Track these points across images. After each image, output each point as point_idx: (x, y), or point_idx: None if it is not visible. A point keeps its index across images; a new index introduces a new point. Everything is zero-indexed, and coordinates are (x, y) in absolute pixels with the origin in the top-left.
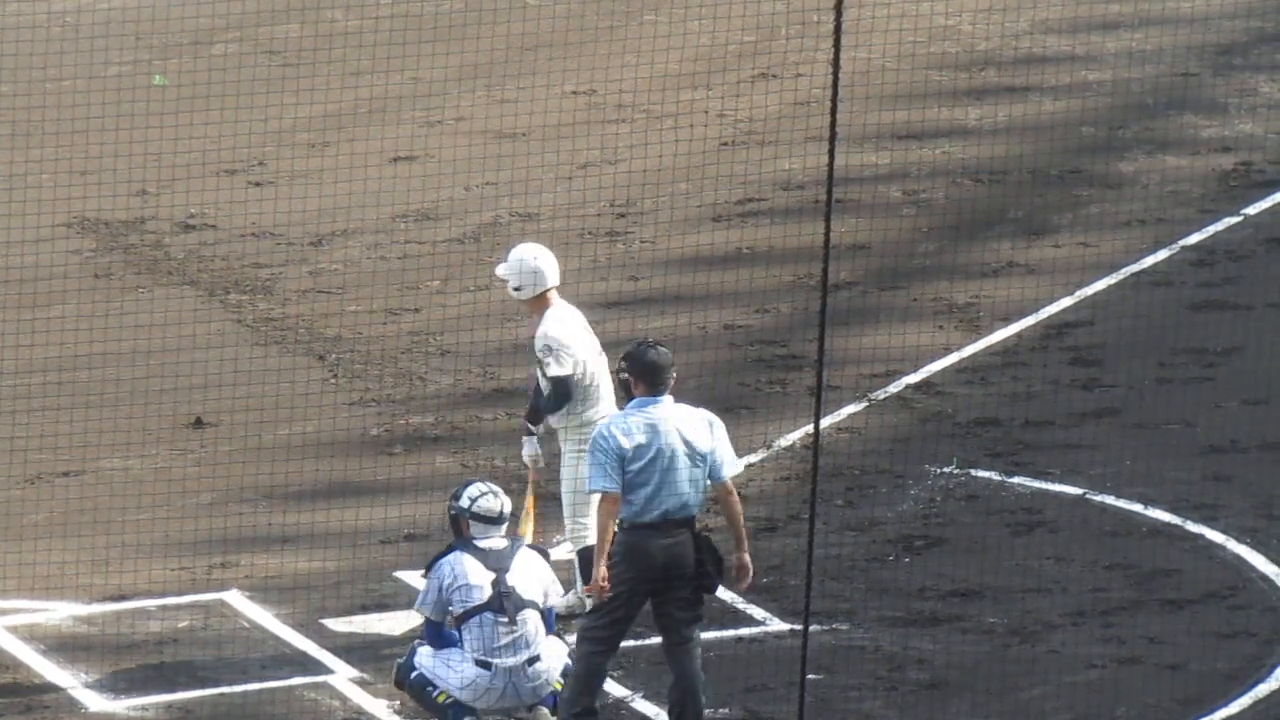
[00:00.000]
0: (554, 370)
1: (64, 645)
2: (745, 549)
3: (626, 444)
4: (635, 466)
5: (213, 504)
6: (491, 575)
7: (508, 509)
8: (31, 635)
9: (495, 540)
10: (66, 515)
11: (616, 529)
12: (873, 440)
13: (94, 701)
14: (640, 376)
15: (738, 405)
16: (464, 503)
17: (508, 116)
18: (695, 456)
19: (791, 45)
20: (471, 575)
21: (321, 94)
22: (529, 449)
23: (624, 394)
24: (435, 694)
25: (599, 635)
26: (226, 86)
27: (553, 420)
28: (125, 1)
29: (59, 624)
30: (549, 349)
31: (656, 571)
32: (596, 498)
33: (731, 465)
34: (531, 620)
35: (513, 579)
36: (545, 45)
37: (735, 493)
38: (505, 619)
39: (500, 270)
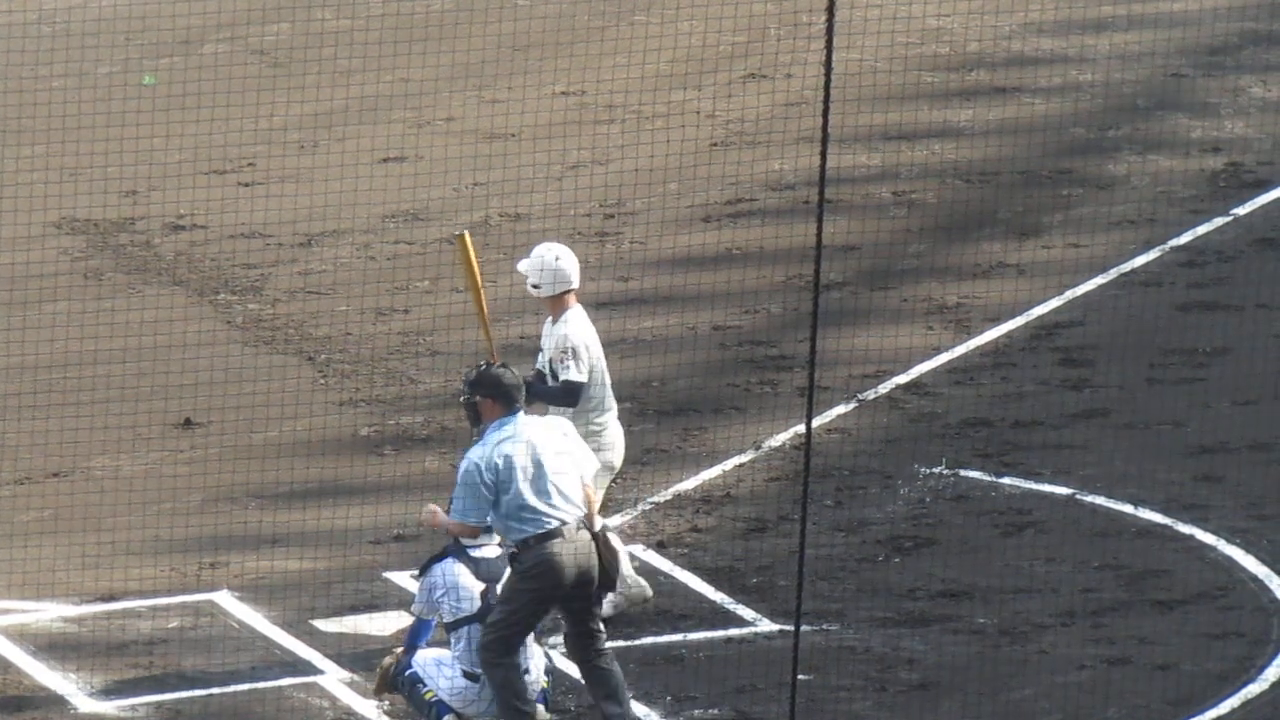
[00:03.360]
0: (571, 375)
1: (54, 646)
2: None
3: (504, 470)
4: (519, 486)
5: (202, 504)
6: (482, 586)
7: None
8: (21, 636)
9: (487, 549)
10: (56, 516)
11: (522, 546)
12: (862, 441)
13: (84, 702)
14: (496, 397)
15: (727, 406)
16: None
17: (497, 117)
18: (565, 462)
19: (781, 46)
20: (463, 584)
21: (311, 94)
22: None
23: (474, 418)
24: (424, 691)
25: (499, 640)
26: (216, 86)
27: None
28: (115, 2)
29: (49, 625)
30: (571, 351)
31: (565, 580)
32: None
33: (590, 464)
34: None
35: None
36: (535, 46)
37: (592, 491)
38: None
39: (522, 266)
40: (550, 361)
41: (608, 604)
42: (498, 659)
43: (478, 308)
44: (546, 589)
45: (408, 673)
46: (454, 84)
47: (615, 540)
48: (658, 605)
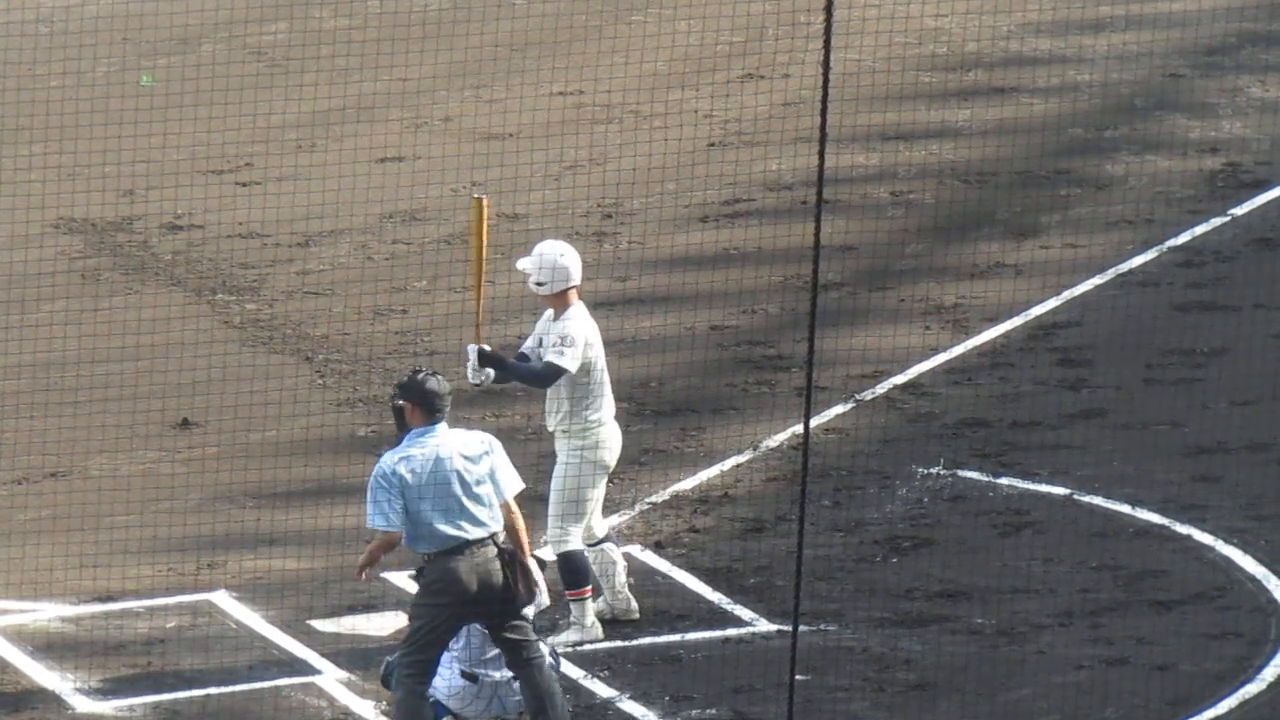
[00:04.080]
0: (560, 361)
1: (51, 646)
2: (528, 555)
3: (411, 480)
4: (425, 497)
5: (200, 505)
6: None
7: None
8: (19, 636)
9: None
10: (54, 516)
11: (425, 560)
12: (860, 441)
13: (81, 702)
14: (419, 404)
15: (725, 406)
16: None
17: (495, 116)
18: (480, 478)
19: (779, 46)
20: None
21: (309, 94)
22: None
23: (399, 422)
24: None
25: (418, 663)
26: (214, 86)
27: (551, 423)
28: (113, 2)
29: (46, 625)
30: (570, 339)
31: (469, 596)
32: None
33: (512, 484)
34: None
35: None
36: (532, 45)
37: (518, 510)
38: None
39: (522, 264)
40: (544, 349)
41: (532, 609)
42: (408, 678)
43: (475, 276)
44: (449, 605)
45: None
46: (452, 84)
47: (614, 552)
48: (656, 605)
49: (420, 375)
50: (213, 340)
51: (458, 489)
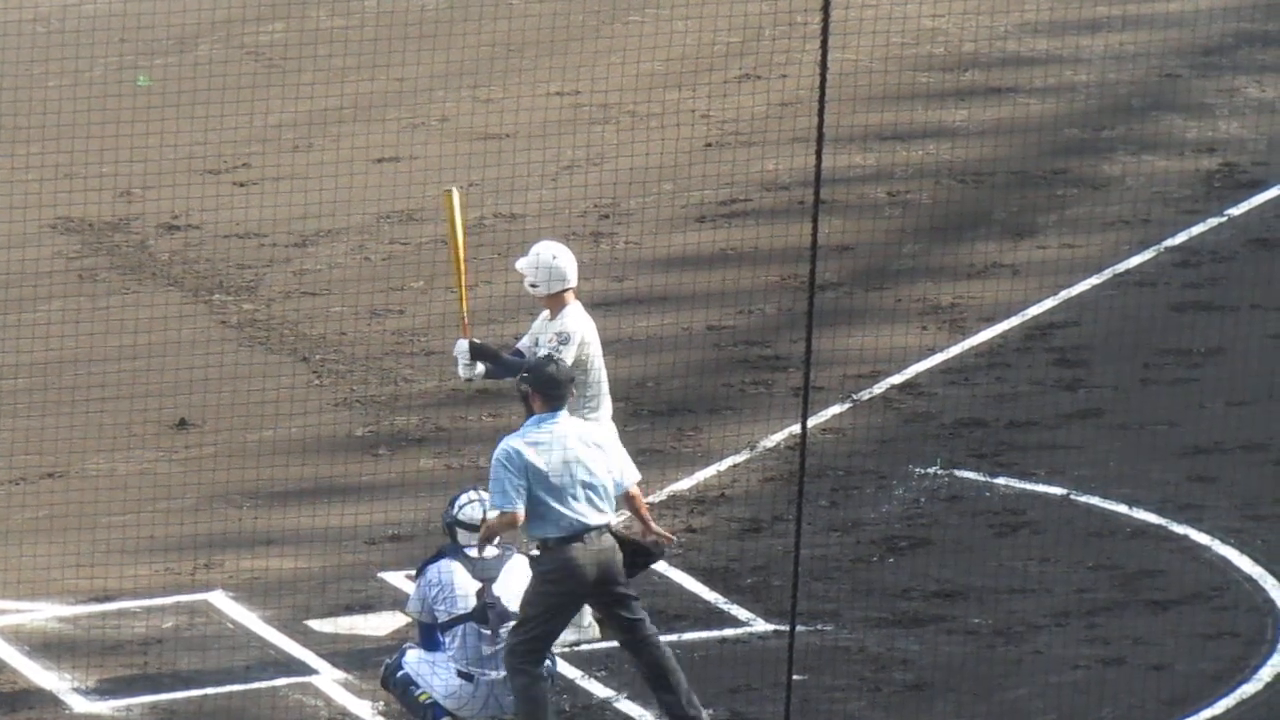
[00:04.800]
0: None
1: (48, 646)
2: (654, 526)
3: (535, 463)
4: (548, 482)
5: (197, 505)
6: (478, 585)
7: None
8: (16, 636)
9: (486, 549)
10: (51, 516)
11: (542, 546)
12: (857, 441)
13: (78, 702)
14: (539, 390)
15: (722, 406)
16: (454, 510)
17: (492, 116)
18: (600, 466)
19: (776, 46)
20: (458, 583)
21: (306, 95)
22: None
23: (526, 406)
24: (417, 693)
25: (531, 650)
26: (211, 86)
27: None
28: (110, 2)
29: (43, 625)
30: (567, 337)
31: (587, 583)
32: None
33: (633, 473)
34: None
35: (499, 589)
36: (529, 45)
37: (640, 494)
38: (489, 631)
39: (519, 265)
40: (540, 347)
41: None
42: (522, 664)
43: (455, 270)
44: (567, 592)
45: (399, 674)
46: (448, 84)
47: None
48: (652, 605)
49: (542, 362)
50: (210, 340)
51: (580, 475)
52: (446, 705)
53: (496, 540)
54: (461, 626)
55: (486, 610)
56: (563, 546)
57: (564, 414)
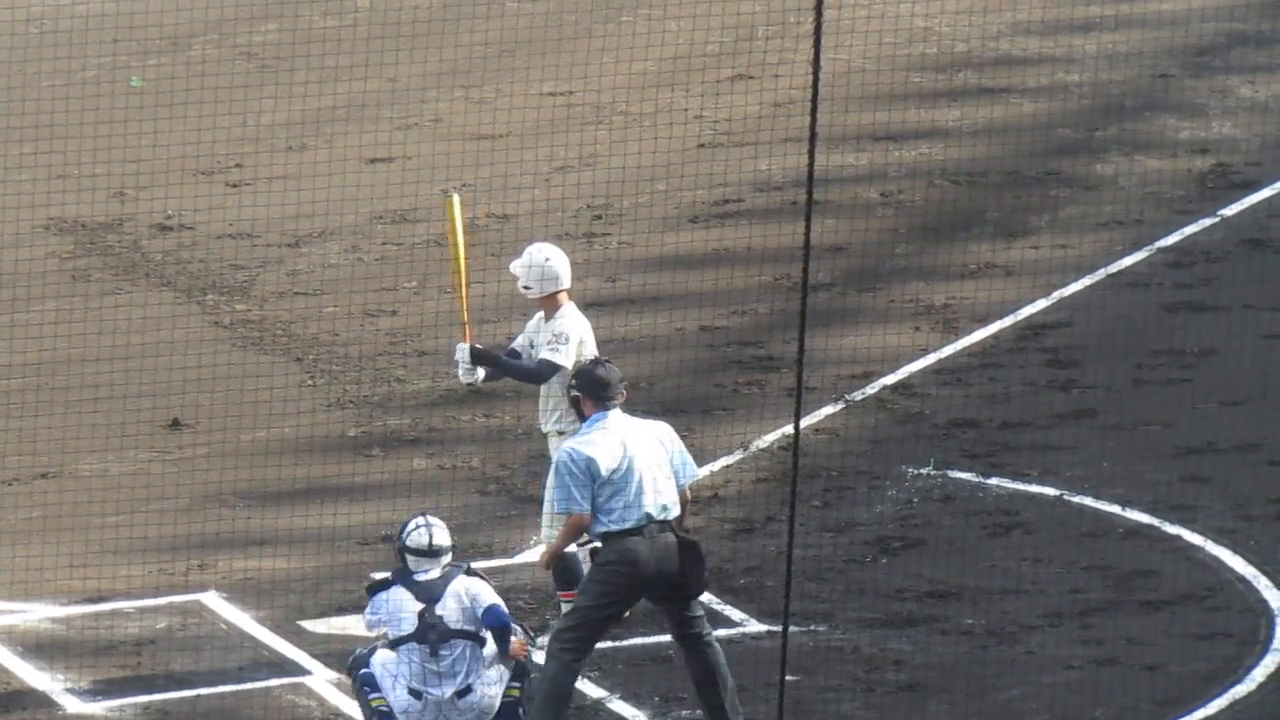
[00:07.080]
0: (555, 357)
1: (41, 646)
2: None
3: (597, 460)
4: (609, 478)
5: (190, 505)
6: (420, 606)
7: (440, 540)
8: (9, 637)
9: (432, 571)
10: (44, 517)
11: (602, 540)
12: (850, 441)
13: (71, 703)
14: (588, 393)
15: (715, 406)
16: (403, 536)
17: (485, 117)
18: (662, 461)
19: (769, 46)
20: (403, 609)
21: (299, 96)
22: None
23: (578, 411)
24: (372, 696)
25: (578, 640)
26: (204, 86)
27: (546, 423)
28: (103, 3)
29: (36, 625)
30: (565, 337)
31: (646, 577)
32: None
33: (693, 471)
34: (459, 650)
35: (441, 609)
36: (522, 46)
37: (689, 498)
38: (429, 650)
39: (513, 267)
40: (536, 348)
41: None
42: (561, 649)
43: (457, 275)
44: (622, 585)
45: (363, 671)
46: (441, 84)
47: None
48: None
49: (591, 363)
50: (203, 340)
51: (642, 471)
52: (398, 719)
53: (573, 543)
54: (405, 646)
55: (428, 630)
56: (622, 539)
57: (616, 412)
